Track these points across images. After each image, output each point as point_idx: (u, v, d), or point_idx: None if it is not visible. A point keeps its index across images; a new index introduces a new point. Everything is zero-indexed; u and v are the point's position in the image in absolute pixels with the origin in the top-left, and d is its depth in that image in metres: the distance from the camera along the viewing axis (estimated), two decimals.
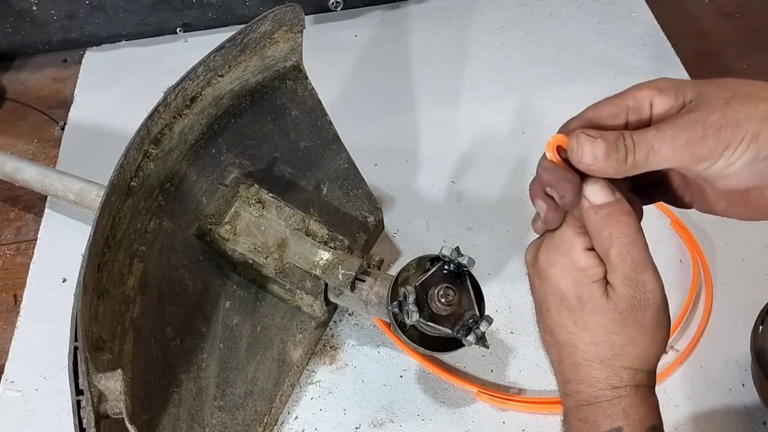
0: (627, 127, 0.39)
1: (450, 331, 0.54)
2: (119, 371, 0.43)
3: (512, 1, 1.01)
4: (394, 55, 0.95)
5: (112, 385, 0.42)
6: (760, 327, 0.58)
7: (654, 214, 0.72)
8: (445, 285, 0.54)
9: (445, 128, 0.85)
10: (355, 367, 0.64)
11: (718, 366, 0.62)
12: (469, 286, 0.55)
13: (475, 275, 0.56)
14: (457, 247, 0.54)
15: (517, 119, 0.85)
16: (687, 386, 0.61)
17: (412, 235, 0.74)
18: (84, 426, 0.41)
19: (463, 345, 0.54)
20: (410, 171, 0.81)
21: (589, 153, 0.36)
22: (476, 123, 0.85)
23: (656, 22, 0.96)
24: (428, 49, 0.95)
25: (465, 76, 0.91)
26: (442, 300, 0.53)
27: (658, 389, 0.60)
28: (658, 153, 0.36)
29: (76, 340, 0.42)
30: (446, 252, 0.54)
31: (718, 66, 0.92)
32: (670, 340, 0.63)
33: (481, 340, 0.55)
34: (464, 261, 0.54)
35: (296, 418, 0.62)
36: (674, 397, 0.60)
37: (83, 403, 0.41)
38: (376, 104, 0.89)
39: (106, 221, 0.49)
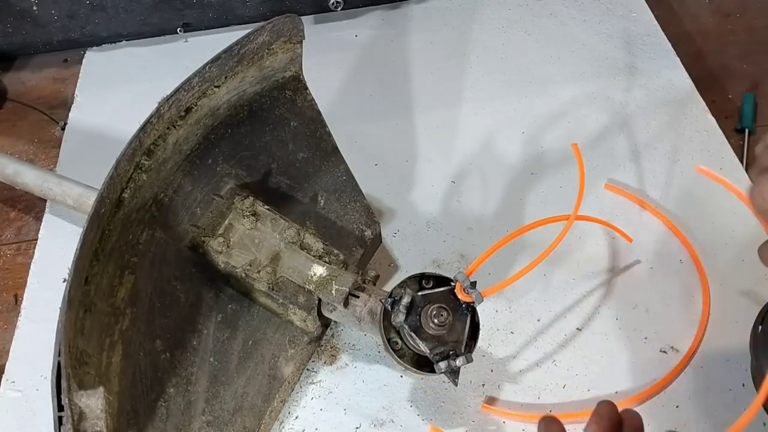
0: None
1: (426, 350, 0.52)
2: (101, 389, 0.43)
3: (512, 1, 1.01)
4: (394, 55, 0.95)
5: (93, 403, 0.42)
6: (760, 327, 0.58)
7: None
8: (442, 306, 0.53)
9: (445, 128, 0.85)
10: (355, 367, 0.64)
11: (718, 366, 0.62)
12: (468, 321, 0.54)
13: (479, 314, 0.55)
14: (475, 282, 0.53)
15: (517, 119, 0.85)
16: (687, 386, 0.61)
17: (411, 236, 0.74)
18: None
19: (434, 371, 0.53)
20: (410, 171, 0.81)
21: None
22: (476, 123, 0.85)
23: (656, 22, 0.95)
24: (428, 49, 0.96)
25: (465, 76, 0.92)
26: (434, 319, 0.53)
27: None
28: None
29: (59, 354, 0.42)
30: (461, 278, 0.52)
31: (718, 66, 0.92)
32: (669, 339, 0.63)
33: (453, 373, 0.53)
34: (474, 294, 0.52)
35: (296, 418, 0.62)
36: (674, 397, 0.60)
37: (64, 420, 0.41)
38: (376, 104, 0.89)
39: (95, 234, 0.48)
